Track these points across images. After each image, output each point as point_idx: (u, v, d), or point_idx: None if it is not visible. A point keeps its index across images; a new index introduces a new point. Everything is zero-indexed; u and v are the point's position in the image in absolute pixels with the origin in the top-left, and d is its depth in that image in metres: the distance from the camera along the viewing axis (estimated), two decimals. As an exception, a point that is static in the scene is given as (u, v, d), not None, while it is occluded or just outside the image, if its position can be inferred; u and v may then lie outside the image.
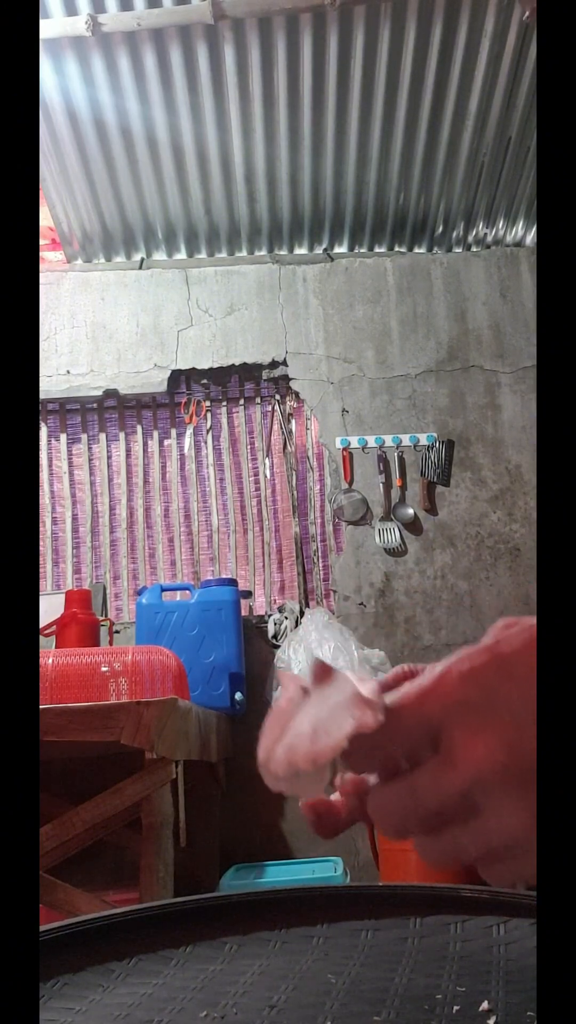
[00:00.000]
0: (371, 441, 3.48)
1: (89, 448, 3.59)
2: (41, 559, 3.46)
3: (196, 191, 3.35)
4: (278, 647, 3.21)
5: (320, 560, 3.51)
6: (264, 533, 3.53)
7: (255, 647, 3.26)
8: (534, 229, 3.64)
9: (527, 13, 2.51)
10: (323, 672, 0.40)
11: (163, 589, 3.09)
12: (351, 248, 3.70)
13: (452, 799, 0.36)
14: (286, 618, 3.29)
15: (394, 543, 3.40)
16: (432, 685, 0.37)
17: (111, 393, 3.54)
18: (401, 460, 3.48)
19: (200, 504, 3.56)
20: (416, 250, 3.71)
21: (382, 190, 3.41)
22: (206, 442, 3.59)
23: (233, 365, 3.57)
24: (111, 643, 3.09)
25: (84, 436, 3.60)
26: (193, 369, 3.57)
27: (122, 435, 3.61)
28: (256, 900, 0.65)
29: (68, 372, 3.53)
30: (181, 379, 3.61)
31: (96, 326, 3.58)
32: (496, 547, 3.42)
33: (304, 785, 0.38)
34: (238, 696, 2.95)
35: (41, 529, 3.48)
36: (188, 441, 3.57)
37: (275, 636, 3.27)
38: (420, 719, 0.37)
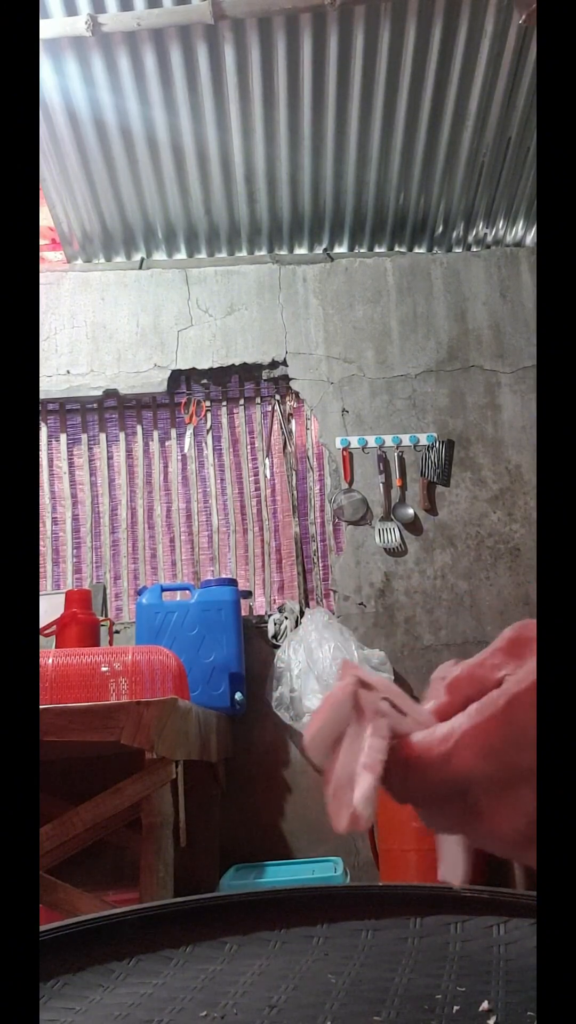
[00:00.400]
0: (371, 441, 3.48)
1: (89, 448, 3.59)
2: (41, 559, 3.46)
3: (196, 191, 3.35)
4: (278, 647, 3.21)
5: (320, 560, 3.51)
6: (264, 533, 3.53)
7: (255, 647, 3.26)
8: (534, 229, 3.64)
9: (524, 17, 2.51)
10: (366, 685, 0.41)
11: (163, 589, 3.09)
12: (351, 248, 3.70)
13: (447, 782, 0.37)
14: (286, 618, 3.29)
15: (394, 543, 3.40)
16: (453, 746, 0.38)
17: (111, 393, 3.54)
18: (401, 460, 3.48)
19: (200, 504, 3.56)
20: (416, 250, 3.71)
21: (382, 190, 3.41)
22: (206, 442, 3.59)
23: (233, 365, 3.57)
24: (111, 643, 3.09)
25: (84, 436, 3.60)
26: (193, 369, 3.57)
27: (122, 435, 3.61)
28: (256, 900, 0.65)
29: (68, 372, 3.53)
30: (181, 379, 3.61)
31: (96, 326, 3.58)
32: (496, 547, 3.42)
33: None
34: (238, 696, 2.95)
35: (41, 529, 3.48)
36: (188, 441, 3.57)
37: (275, 636, 3.27)
38: (445, 779, 0.38)
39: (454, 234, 3.64)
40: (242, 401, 3.63)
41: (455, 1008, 0.46)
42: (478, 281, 3.66)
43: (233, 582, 3.15)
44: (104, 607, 3.37)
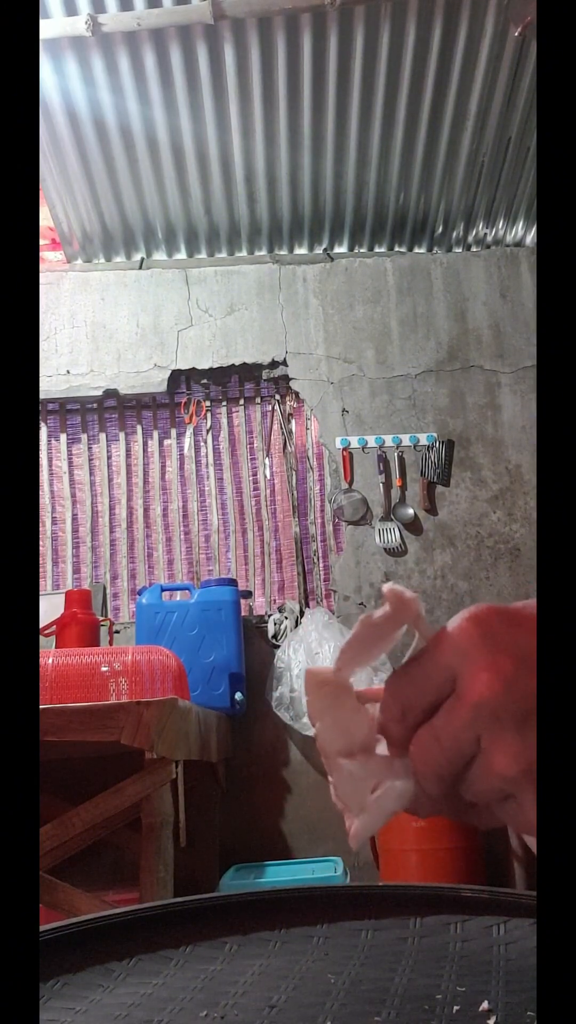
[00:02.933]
0: (371, 441, 3.48)
1: (89, 448, 3.59)
2: (41, 559, 3.46)
3: (196, 191, 3.35)
4: (278, 647, 3.21)
5: (320, 560, 3.51)
6: (264, 533, 3.53)
7: (255, 647, 3.26)
8: (534, 229, 3.64)
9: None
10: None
11: (163, 589, 3.09)
12: (351, 248, 3.70)
13: (463, 735, 0.37)
14: (286, 618, 3.29)
15: (394, 543, 3.40)
16: (444, 635, 0.39)
17: (111, 393, 3.54)
18: (401, 460, 3.48)
19: (200, 504, 3.56)
20: (416, 250, 3.71)
21: (382, 190, 3.41)
22: (206, 442, 3.59)
23: (233, 365, 3.56)
24: (111, 643, 3.09)
25: (84, 436, 3.60)
26: (193, 369, 3.57)
27: (122, 435, 3.61)
28: (256, 900, 0.65)
29: (68, 372, 3.53)
30: (181, 379, 3.61)
31: (96, 326, 3.58)
32: (496, 547, 3.42)
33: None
34: (238, 696, 2.95)
35: (41, 529, 3.48)
36: (188, 441, 3.57)
37: (275, 636, 3.27)
38: (438, 665, 0.39)
39: (454, 234, 3.64)
40: (242, 401, 3.63)
41: (455, 1008, 0.46)
42: (478, 281, 3.66)
43: (233, 582, 3.15)
44: (104, 607, 3.37)
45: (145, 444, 3.60)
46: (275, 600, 3.48)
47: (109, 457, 3.59)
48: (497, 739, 0.37)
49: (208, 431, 3.59)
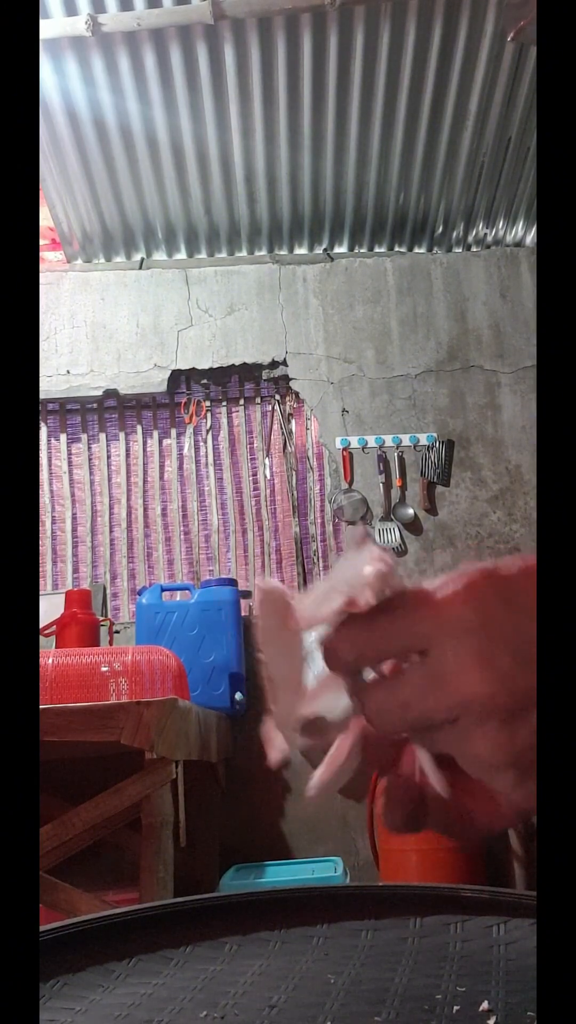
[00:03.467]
0: (371, 441, 3.48)
1: (89, 448, 3.59)
2: (41, 559, 3.46)
3: (196, 191, 3.35)
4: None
5: (320, 560, 3.51)
6: (264, 533, 3.53)
7: (255, 647, 3.25)
8: (534, 229, 3.64)
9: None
10: (361, 539, 0.42)
11: (163, 589, 3.09)
12: (351, 248, 3.70)
13: (438, 713, 0.36)
14: (286, 618, 3.29)
15: (394, 543, 3.40)
16: (430, 595, 0.38)
17: (111, 393, 3.54)
18: (401, 460, 3.48)
19: (199, 504, 3.56)
20: (416, 250, 3.71)
21: (382, 190, 3.41)
22: (206, 442, 3.59)
23: (233, 365, 3.57)
24: (111, 643, 3.09)
25: (84, 436, 3.60)
26: (193, 369, 3.57)
27: (122, 435, 3.61)
28: (256, 900, 0.65)
29: (68, 372, 3.53)
30: (181, 379, 3.61)
31: (96, 326, 3.58)
32: (496, 547, 3.42)
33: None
34: (238, 696, 2.95)
35: (41, 529, 3.48)
36: (188, 441, 3.57)
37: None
38: (412, 622, 0.37)
39: (454, 234, 3.64)
40: (242, 401, 3.63)
41: (455, 1008, 0.46)
42: (478, 281, 3.66)
43: (233, 582, 3.15)
44: (104, 607, 3.37)
45: (145, 444, 3.60)
46: (275, 600, 3.47)
47: (109, 457, 3.59)
48: (480, 727, 0.36)
49: (208, 431, 3.59)
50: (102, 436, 3.60)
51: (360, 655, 0.38)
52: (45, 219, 3.46)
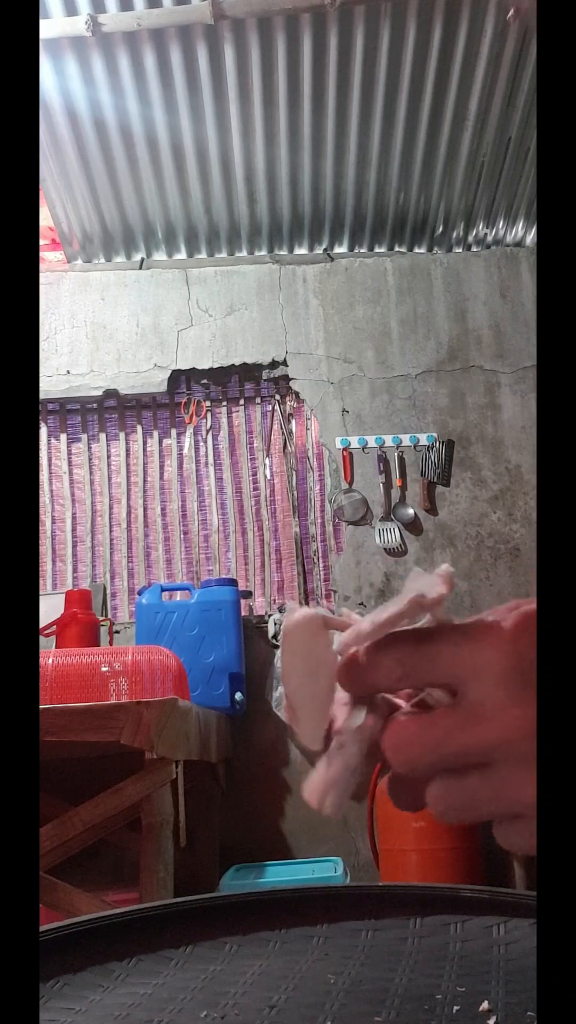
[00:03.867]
0: (371, 441, 3.48)
1: (89, 448, 3.59)
2: (41, 559, 3.46)
3: (196, 191, 3.35)
4: (278, 647, 3.21)
5: (320, 560, 3.51)
6: (264, 533, 3.53)
7: (255, 647, 3.26)
8: (534, 229, 3.64)
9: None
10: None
11: (163, 589, 3.09)
12: (351, 248, 3.70)
13: (473, 750, 0.36)
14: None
15: (394, 543, 3.40)
16: (475, 630, 0.37)
17: (111, 393, 3.54)
18: (401, 460, 3.48)
19: (199, 504, 3.56)
20: (416, 250, 3.71)
21: (382, 190, 3.41)
22: (206, 442, 3.59)
23: (233, 365, 3.57)
24: (111, 643, 3.09)
25: (84, 436, 3.60)
26: (193, 369, 3.57)
27: (122, 435, 3.61)
28: (256, 900, 0.65)
29: (68, 372, 3.53)
30: (181, 379, 3.61)
31: (96, 326, 3.58)
32: (496, 547, 3.42)
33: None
34: (238, 696, 2.95)
35: (40, 529, 3.48)
36: (188, 441, 3.57)
37: (275, 636, 3.27)
38: (453, 655, 0.37)
39: (454, 234, 3.64)
40: (242, 401, 3.63)
41: (455, 1008, 0.46)
42: (478, 281, 3.66)
43: (233, 582, 3.15)
44: (104, 607, 3.37)
45: (145, 444, 3.60)
46: (275, 600, 3.48)
47: (109, 457, 3.59)
48: (514, 770, 0.35)
49: (208, 431, 3.59)
50: (102, 436, 3.60)
51: (395, 676, 0.38)
52: (45, 219, 3.46)
